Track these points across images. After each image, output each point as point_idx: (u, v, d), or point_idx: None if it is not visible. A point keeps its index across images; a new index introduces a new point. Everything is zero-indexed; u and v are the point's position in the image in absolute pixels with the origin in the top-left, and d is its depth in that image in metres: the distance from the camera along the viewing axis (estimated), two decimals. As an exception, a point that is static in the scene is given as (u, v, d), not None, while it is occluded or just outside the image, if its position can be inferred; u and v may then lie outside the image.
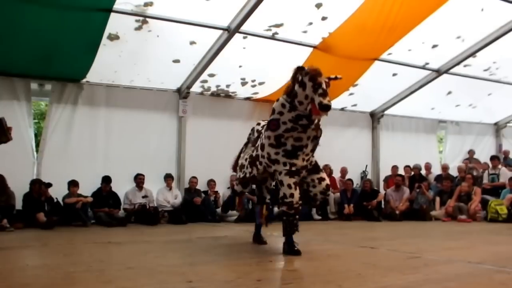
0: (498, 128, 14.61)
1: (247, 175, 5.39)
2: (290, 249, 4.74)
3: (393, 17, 8.13)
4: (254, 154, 5.22)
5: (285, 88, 4.83)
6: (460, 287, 3.34)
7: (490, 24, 9.20)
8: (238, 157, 5.96)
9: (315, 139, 4.83)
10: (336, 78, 4.60)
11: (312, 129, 4.66)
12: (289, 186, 4.65)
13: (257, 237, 5.68)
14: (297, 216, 4.77)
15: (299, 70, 4.55)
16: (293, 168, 4.70)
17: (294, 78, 4.60)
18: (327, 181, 5.00)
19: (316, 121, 4.65)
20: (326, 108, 4.27)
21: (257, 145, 5.18)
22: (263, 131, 5.10)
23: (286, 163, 4.68)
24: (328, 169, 11.29)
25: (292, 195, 4.64)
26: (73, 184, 8.48)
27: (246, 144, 5.87)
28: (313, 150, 4.91)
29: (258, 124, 5.63)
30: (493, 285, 3.43)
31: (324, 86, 4.35)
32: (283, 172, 4.69)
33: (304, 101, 4.46)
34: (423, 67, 10.54)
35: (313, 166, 4.93)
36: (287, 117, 4.58)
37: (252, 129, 5.73)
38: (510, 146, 14.23)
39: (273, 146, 4.72)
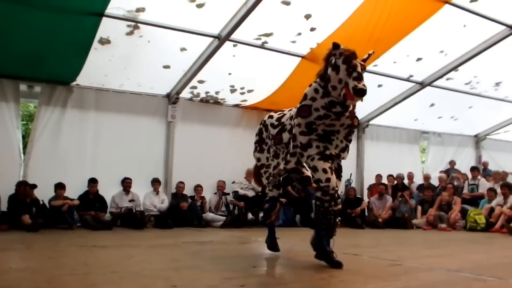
0: (478, 140, 14.76)
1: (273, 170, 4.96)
2: (324, 254, 4.29)
3: (379, 30, 8.18)
4: (289, 149, 4.61)
5: (317, 72, 4.39)
6: (440, 294, 3.34)
7: (471, 40, 9.32)
8: (257, 166, 5.39)
9: (349, 127, 4.40)
10: (369, 55, 4.36)
11: (347, 117, 4.25)
12: (324, 170, 4.17)
13: (273, 243, 5.19)
14: (334, 207, 4.26)
15: (333, 49, 4.15)
16: (327, 152, 4.27)
17: (327, 61, 4.21)
18: (341, 189, 4.61)
19: (351, 108, 4.27)
20: (361, 92, 3.92)
21: (285, 141, 4.67)
22: (286, 121, 4.72)
23: (320, 145, 4.25)
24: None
25: (328, 180, 4.14)
26: (60, 186, 8.36)
27: (259, 143, 5.25)
28: (348, 140, 4.48)
29: (271, 117, 5.10)
30: (472, 293, 3.44)
31: (359, 69, 4.01)
32: (315, 157, 4.22)
33: (338, 86, 4.06)
34: (407, 79, 10.62)
35: (338, 167, 4.54)
36: (320, 103, 4.18)
37: (264, 125, 5.15)
38: (489, 157, 14.35)
39: (304, 133, 4.27)
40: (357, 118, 4.43)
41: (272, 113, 5.18)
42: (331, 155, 4.30)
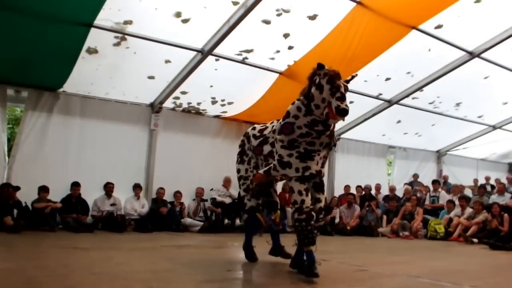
0: (439, 155, 14.96)
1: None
2: (309, 269, 3.99)
3: (352, 51, 8.26)
4: (269, 162, 4.53)
5: (301, 90, 4.28)
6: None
7: (435, 63, 9.51)
8: (237, 169, 5.21)
9: (328, 146, 4.32)
10: (352, 77, 4.27)
11: (326, 135, 4.17)
12: (300, 192, 4.12)
13: (278, 250, 4.99)
14: (312, 223, 4.10)
15: (318, 69, 4.04)
16: (306, 173, 4.16)
17: (311, 80, 4.10)
18: (322, 204, 4.39)
19: (332, 127, 4.19)
20: (344, 112, 3.78)
21: (265, 153, 4.60)
22: (268, 134, 4.64)
23: (299, 168, 4.14)
24: (288, 186, 11.32)
25: (303, 201, 4.10)
26: (43, 189, 8.15)
27: (241, 155, 5.12)
28: (325, 158, 4.40)
29: (254, 129, 4.97)
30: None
31: (342, 89, 3.88)
32: (293, 178, 4.16)
33: (321, 105, 3.92)
34: (376, 97, 10.73)
35: (320, 183, 4.39)
36: (303, 121, 4.06)
37: (247, 136, 5.03)
38: (449, 172, 14.59)
39: (285, 148, 4.17)
40: (336, 137, 4.31)
41: (255, 125, 5.07)
42: (311, 175, 4.19)
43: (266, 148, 4.59)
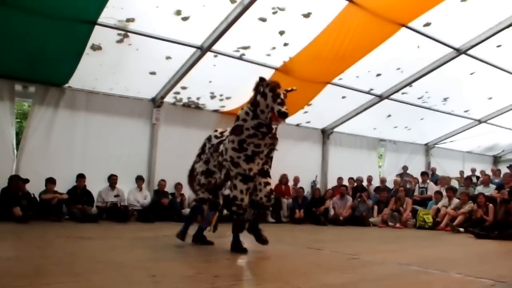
0: (428, 148, 15.00)
1: (217, 180, 5.13)
2: (238, 247, 4.68)
3: (344, 48, 8.26)
4: (220, 159, 4.94)
5: (249, 99, 4.76)
6: (391, 285, 3.35)
7: (424, 60, 9.50)
8: (193, 167, 5.57)
9: (271, 146, 4.74)
10: (292, 90, 4.63)
11: (270, 137, 4.59)
12: (242, 191, 4.61)
13: (201, 238, 5.35)
14: (244, 217, 4.72)
15: (260, 81, 4.56)
16: (251, 174, 4.61)
17: (256, 89, 4.58)
18: (271, 186, 4.88)
19: (274, 130, 4.60)
20: (284, 115, 4.28)
21: (220, 150, 4.95)
22: (226, 135, 4.98)
23: (246, 170, 4.59)
24: (285, 178, 11.37)
25: (242, 200, 4.61)
26: (50, 181, 8.18)
27: (200, 155, 5.43)
28: (269, 157, 4.81)
29: (216, 131, 5.36)
30: (418, 283, 3.46)
31: (282, 96, 4.37)
32: (238, 177, 4.61)
33: (265, 110, 4.42)
34: (368, 92, 10.72)
35: (266, 170, 4.83)
36: (250, 124, 4.53)
37: (209, 138, 5.38)
38: (437, 164, 14.62)
39: (236, 150, 4.59)
40: (277, 139, 4.74)
41: (217, 129, 5.45)
42: (254, 175, 4.64)
43: (221, 147, 4.94)
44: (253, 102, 4.58)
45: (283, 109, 4.29)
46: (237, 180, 4.62)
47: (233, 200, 4.67)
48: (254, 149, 4.58)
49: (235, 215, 4.70)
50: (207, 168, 5.18)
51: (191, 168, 5.67)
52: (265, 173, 4.81)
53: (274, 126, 4.54)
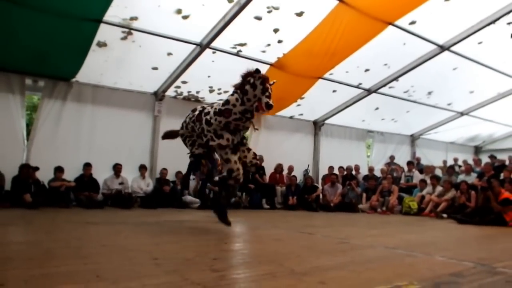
0: (413, 139, 15.01)
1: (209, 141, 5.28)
2: (225, 219, 5.05)
3: (334, 45, 8.24)
4: (204, 127, 5.18)
5: (235, 85, 4.98)
6: (378, 267, 3.36)
7: (410, 56, 9.47)
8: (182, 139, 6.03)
9: (246, 129, 5.13)
10: (273, 82, 4.81)
11: (250, 122, 4.94)
12: (235, 162, 4.84)
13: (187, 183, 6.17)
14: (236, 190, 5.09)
15: (255, 73, 4.75)
16: (235, 142, 4.93)
17: (246, 79, 4.79)
18: (253, 150, 5.25)
19: (254, 116, 4.92)
20: (271, 107, 4.61)
21: (204, 120, 5.16)
22: (210, 110, 5.18)
23: (229, 138, 4.87)
24: (280, 167, 11.39)
25: (238, 169, 4.83)
26: (58, 170, 8.18)
27: (183, 124, 5.87)
28: (242, 137, 5.17)
29: (201, 106, 5.62)
30: (404, 265, 3.46)
31: (270, 90, 4.65)
32: (228, 151, 4.86)
33: (252, 99, 4.70)
34: (357, 86, 10.70)
35: (240, 140, 5.11)
36: (238, 109, 4.80)
37: (193, 110, 5.71)
38: (422, 154, 14.66)
39: (221, 128, 4.92)
40: (253, 123, 5.05)
41: (202, 105, 5.77)
42: (237, 144, 4.99)
43: (205, 118, 5.15)
44: (242, 91, 4.79)
45: (270, 101, 4.61)
46: (228, 154, 4.87)
47: (230, 173, 4.84)
48: (235, 127, 4.93)
49: (231, 188, 5.05)
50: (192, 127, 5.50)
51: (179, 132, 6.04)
52: (242, 142, 5.18)
53: (258, 114, 4.91)
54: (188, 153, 5.88)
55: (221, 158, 5.04)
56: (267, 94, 4.63)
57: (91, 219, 6.19)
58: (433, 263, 3.61)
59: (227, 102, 4.92)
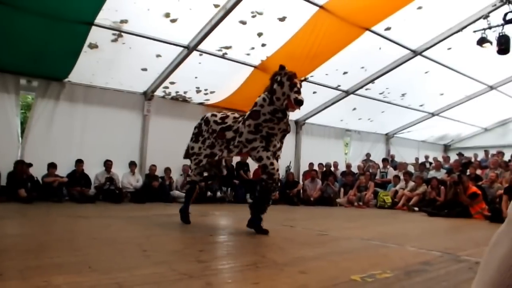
0: (388, 137, 15.14)
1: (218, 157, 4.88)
2: (260, 229, 4.47)
3: (315, 48, 8.27)
4: (230, 145, 4.68)
5: (264, 87, 4.57)
6: (355, 257, 3.42)
7: (385, 60, 9.56)
8: (189, 146, 5.28)
9: (284, 132, 4.56)
10: (305, 79, 4.50)
11: (284, 122, 4.46)
12: (268, 157, 4.35)
13: (187, 216, 5.23)
14: (275, 187, 4.42)
15: (280, 70, 4.39)
16: (272, 149, 4.44)
17: (273, 78, 4.41)
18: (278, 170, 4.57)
19: (288, 116, 4.48)
20: (300, 102, 4.17)
21: (230, 137, 4.66)
22: (231, 123, 4.73)
23: (262, 141, 4.40)
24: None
25: (272, 164, 4.34)
26: (51, 166, 8.07)
27: (197, 136, 5.15)
28: (281, 141, 4.62)
29: (214, 115, 5.02)
30: (378, 256, 3.53)
31: (298, 85, 4.24)
32: (260, 149, 4.37)
33: (281, 97, 4.28)
34: (336, 88, 10.77)
35: (275, 156, 4.53)
36: (267, 109, 4.37)
37: (206, 120, 5.05)
38: (396, 151, 14.80)
39: (251, 132, 4.42)
40: (290, 125, 4.60)
41: (215, 113, 5.15)
42: (271, 151, 4.43)
43: (229, 134, 4.71)
44: (270, 90, 4.41)
45: (300, 97, 4.17)
46: (260, 152, 4.39)
47: (265, 169, 4.37)
48: (269, 131, 4.42)
49: (267, 186, 4.39)
50: (212, 152, 4.90)
51: (187, 147, 5.35)
52: (276, 159, 4.58)
53: (289, 112, 4.42)
54: (187, 177, 5.43)
55: (254, 160, 4.53)
56: (295, 89, 4.20)
57: (83, 213, 6.13)
58: (404, 253, 3.68)
59: (255, 104, 4.51)
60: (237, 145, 4.58)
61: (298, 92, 4.20)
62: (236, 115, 4.88)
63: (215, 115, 5.02)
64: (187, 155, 5.35)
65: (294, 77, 4.29)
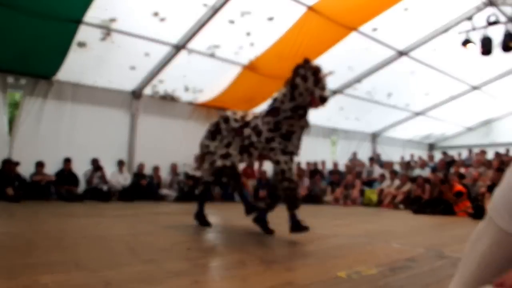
0: (374, 136, 15.21)
1: (233, 163, 4.53)
2: (298, 226, 4.01)
3: (303, 48, 8.27)
4: (246, 142, 4.36)
5: (286, 80, 4.20)
6: (341, 254, 3.43)
7: (372, 60, 9.64)
8: (205, 144, 4.87)
9: (303, 129, 4.22)
10: (330, 73, 4.21)
11: (304, 119, 4.14)
12: (286, 162, 4.02)
13: (204, 219, 4.91)
14: (297, 192, 4.09)
15: (304, 63, 4.01)
16: (287, 150, 4.09)
17: (296, 72, 4.04)
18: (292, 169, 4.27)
19: (308, 113, 4.14)
20: (325, 100, 3.84)
21: (247, 134, 4.33)
22: (250, 120, 4.42)
23: (281, 142, 4.07)
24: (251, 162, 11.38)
25: (290, 170, 4.02)
26: (39, 164, 7.98)
27: (213, 133, 4.74)
28: (300, 138, 4.26)
29: (234, 113, 4.64)
30: (364, 253, 3.55)
31: (324, 81, 3.90)
32: (278, 152, 4.04)
33: (304, 93, 3.91)
34: (323, 88, 10.78)
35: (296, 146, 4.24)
36: (287, 106, 4.02)
37: (226, 118, 4.65)
38: (382, 150, 14.89)
39: (271, 130, 4.10)
40: (308, 122, 4.26)
41: (235, 111, 4.84)
42: (289, 152, 4.14)
43: (246, 131, 4.40)
44: (292, 84, 4.03)
45: (325, 94, 3.83)
46: (278, 155, 4.05)
47: (282, 174, 4.02)
48: (288, 128, 4.08)
49: (288, 191, 4.03)
50: (227, 151, 4.53)
51: (200, 146, 4.96)
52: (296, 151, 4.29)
53: (312, 110, 4.04)
54: (200, 177, 4.89)
55: (272, 162, 4.21)
56: (320, 85, 3.83)
57: (71, 211, 6.09)
58: (390, 250, 3.72)
59: (273, 100, 4.18)
60: (257, 147, 4.28)
61: (323, 88, 3.86)
62: (256, 113, 4.57)
63: (235, 113, 4.70)
64: (201, 157, 5.02)
65: (319, 71, 3.94)
